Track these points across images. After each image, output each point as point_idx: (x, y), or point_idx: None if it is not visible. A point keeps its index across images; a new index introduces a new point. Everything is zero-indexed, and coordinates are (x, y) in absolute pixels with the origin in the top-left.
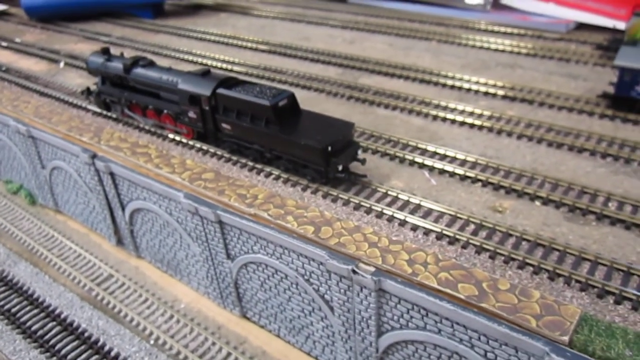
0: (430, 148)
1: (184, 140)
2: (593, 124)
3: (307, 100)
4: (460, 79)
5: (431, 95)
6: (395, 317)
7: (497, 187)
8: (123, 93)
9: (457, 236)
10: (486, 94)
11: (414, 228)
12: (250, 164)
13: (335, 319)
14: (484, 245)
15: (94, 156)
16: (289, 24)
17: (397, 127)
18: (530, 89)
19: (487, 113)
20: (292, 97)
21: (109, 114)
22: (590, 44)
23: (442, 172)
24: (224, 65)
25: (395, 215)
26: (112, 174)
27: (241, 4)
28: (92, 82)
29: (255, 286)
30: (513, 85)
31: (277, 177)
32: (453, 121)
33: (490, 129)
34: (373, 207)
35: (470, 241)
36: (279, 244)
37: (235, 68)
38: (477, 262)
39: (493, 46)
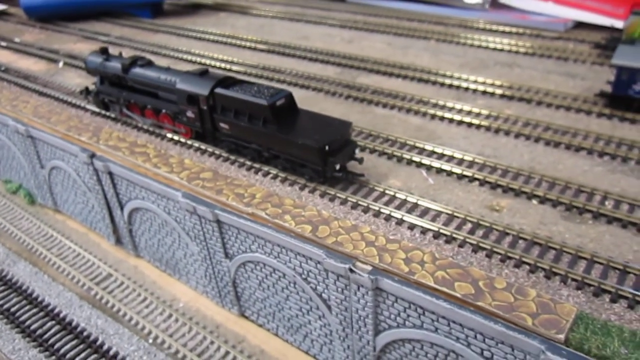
0: (428, 147)
1: (182, 140)
2: (590, 122)
3: (306, 100)
4: (459, 78)
5: (429, 94)
6: (392, 316)
7: (494, 186)
8: (121, 93)
9: (454, 235)
10: (484, 93)
11: (411, 227)
12: (248, 163)
13: (333, 318)
14: (481, 244)
15: (92, 156)
16: (287, 23)
17: (395, 126)
18: (528, 87)
19: (485, 112)
20: (289, 97)
21: (108, 113)
22: (588, 42)
23: (439, 171)
24: (223, 65)
25: (392, 214)
26: (110, 174)
27: (240, 4)
28: (90, 81)
29: (254, 285)
30: (511, 84)
31: (275, 177)
32: (451, 120)
33: (488, 128)
34: (370, 206)
35: (467, 240)
36: (277, 243)
37: (234, 67)
38: (473, 261)
39: (491, 45)
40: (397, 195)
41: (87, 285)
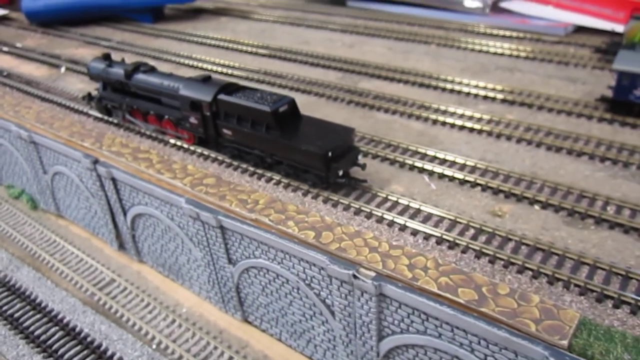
0: (430, 152)
1: (185, 146)
2: (592, 127)
3: (307, 105)
4: (460, 83)
5: (431, 99)
6: (396, 322)
7: (496, 191)
8: (124, 99)
9: (457, 241)
10: (485, 97)
11: (414, 233)
12: (251, 169)
13: (336, 324)
14: (484, 250)
15: (95, 162)
16: (288, 27)
17: (396, 132)
18: (529, 92)
19: (486, 117)
20: (292, 103)
21: (111, 119)
22: (589, 47)
23: (441, 176)
24: (224, 70)
25: (395, 220)
26: (113, 179)
27: (241, 8)
28: (93, 87)
29: (257, 291)
30: (512, 89)
31: (278, 182)
32: (452, 125)
33: (489, 133)
34: (373, 212)
35: (470, 246)
36: (280, 249)
37: (235, 72)
38: (476, 267)
39: (492, 50)
40: (400, 200)
41: (90, 290)
